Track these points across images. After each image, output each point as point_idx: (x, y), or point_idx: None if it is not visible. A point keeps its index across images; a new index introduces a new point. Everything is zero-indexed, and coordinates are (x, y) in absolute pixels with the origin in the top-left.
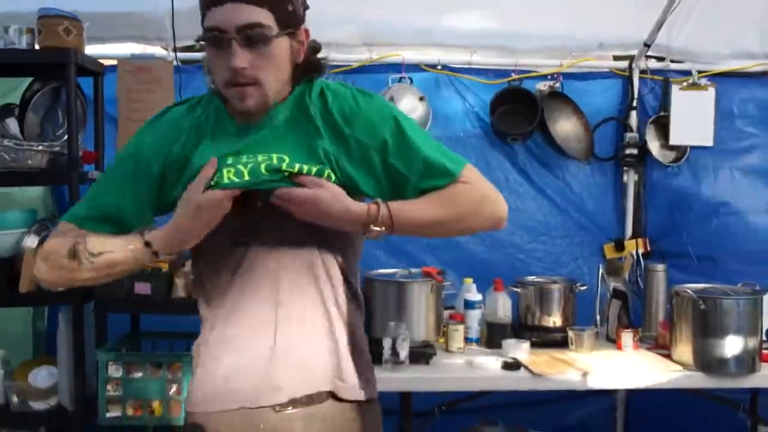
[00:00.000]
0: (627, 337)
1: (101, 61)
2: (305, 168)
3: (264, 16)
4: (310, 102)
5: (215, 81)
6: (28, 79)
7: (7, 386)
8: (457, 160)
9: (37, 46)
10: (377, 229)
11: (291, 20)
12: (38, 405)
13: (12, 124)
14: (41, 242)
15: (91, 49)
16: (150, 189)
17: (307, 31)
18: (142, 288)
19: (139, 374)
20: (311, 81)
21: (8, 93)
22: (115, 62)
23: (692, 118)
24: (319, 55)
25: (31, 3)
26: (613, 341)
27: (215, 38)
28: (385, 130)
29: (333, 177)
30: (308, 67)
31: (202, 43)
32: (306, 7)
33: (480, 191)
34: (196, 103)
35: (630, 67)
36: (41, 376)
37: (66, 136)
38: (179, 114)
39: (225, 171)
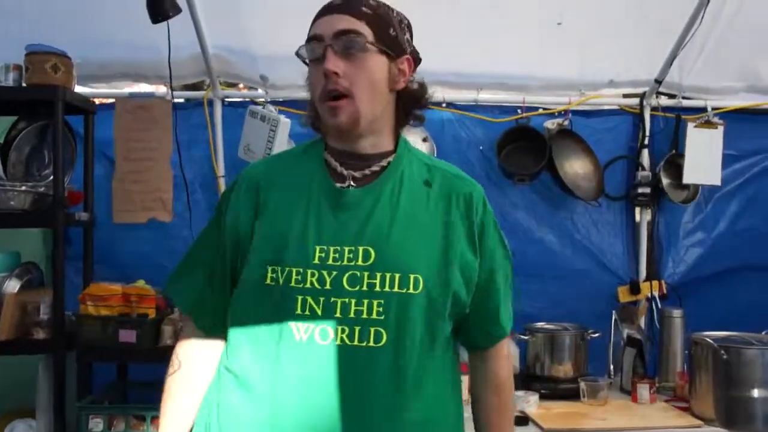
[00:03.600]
0: (643, 389)
1: (98, 99)
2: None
3: (362, 28)
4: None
5: (313, 100)
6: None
7: None
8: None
9: (24, 84)
10: None
11: (391, 43)
12: None
13: None
14: (23, 287)
15: (86, 89)
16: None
17: (410, 62)
18: (127, 336)
19: (120, 428)
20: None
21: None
22: (112, 101)
23: (704, 156)
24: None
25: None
26: (628, 392)
27: (313, 49)
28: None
29: (421, 285)
30: (410, 99)
31: (305, 59)
32: (413, 49)
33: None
34: (302, 152)
35: (641, 103)
36: (18, 430)
37: (52, 176)
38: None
39: (309, 273)
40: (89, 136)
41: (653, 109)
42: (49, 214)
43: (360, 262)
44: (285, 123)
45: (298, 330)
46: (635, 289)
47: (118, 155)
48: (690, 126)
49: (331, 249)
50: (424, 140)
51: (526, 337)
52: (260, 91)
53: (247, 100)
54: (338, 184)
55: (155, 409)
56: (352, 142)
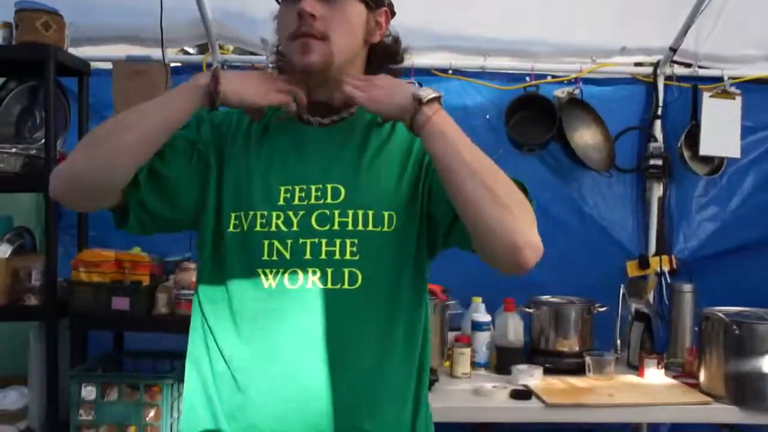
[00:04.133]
0: (651, 364)
1: (94, 63)
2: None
3: None
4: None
5: (280, 40)
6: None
7: None
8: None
9: (15, 42)
10: (426, 108)
11: None
12: (6, 429)
13: None
14: (14, 252)
15: (82, 51)
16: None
17: (387, 14)
18: (120, 303)
19: (113, 397)
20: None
21: None
22: (109, 65)
23: (721, 127)
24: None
25: None
26: (635, 368)
27: None
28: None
29: (394, 222)
30: (384, 53)
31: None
32: (390, 1)
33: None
34: None
35: (655, 72)
36: (10, 398)
37: (44, 139)
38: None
39: (275, 215)
40: (83, 98)
41: (667, 78)
42: (41, 178)
43: (329, 200)
44: None
45: (266, 277)
46: (644, 263)
47: None
48: (705, 96)
49: (297, 188)
50: None
51: (530, 310)
52: (261, 56)
53: (246, 64)
54: (300, 125)
55: (149, 378)
56: (319, 88)
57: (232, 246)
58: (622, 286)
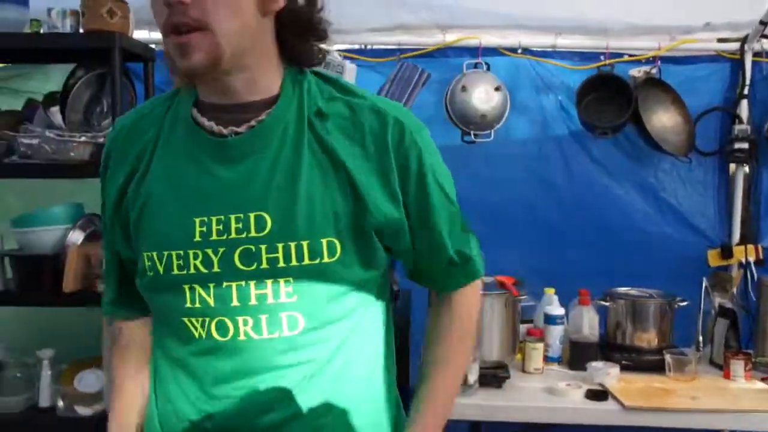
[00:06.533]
0: (738, 366)
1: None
2: (297, 247)
3: None
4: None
5: (161, 32)
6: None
7: (54, 389)
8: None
9: (81, 30)
10: None
11: None
12: (84, 411)
13: (57, 114)
14: (87, 239)
15: (143, 34)
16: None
17: None
18: None
19: None
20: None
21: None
22: None
23: None
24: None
25: None
26: (718, 366)
27: None
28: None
29: (338, 250)
30: (292, 23)
31: None
32: None
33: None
34: (161, 102)
35: (742, 48)
36: (87, 380)
37: (111, 126)
38: (138, 118)
39: (191, 254)
40: (149, 84)
41: (756, 54)
42: None
43: (253, 233)
44: (351, 68)
45: (194, 326)
46: (727, 253)
47: None
48: None
49: (214, 219)
50: (497, 89)
51: (606, 303)
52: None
53: None
54: (211, 138)
55: None
56: (219, 89)
57: (152, 290)
58: (704, 278)
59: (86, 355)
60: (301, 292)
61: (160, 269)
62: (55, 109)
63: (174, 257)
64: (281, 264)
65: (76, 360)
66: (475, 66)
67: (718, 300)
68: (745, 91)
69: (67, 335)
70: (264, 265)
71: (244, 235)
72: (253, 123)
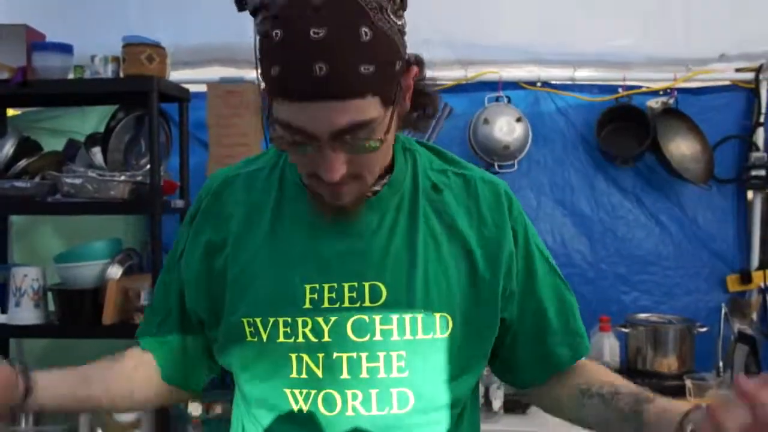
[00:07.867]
0: None
1: (189, 86)
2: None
3: (369, 108)
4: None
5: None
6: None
7: (92, 418)
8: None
9: (122, 75)
10: None
11: (398, 79)
12: None
13: (98, 153)
14: (125, 273)
15: (178, 75)
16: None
17: (409, 71)
18: None
19: (218, 411)
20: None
21: (100, 123)
22: (204, 88)
23: None
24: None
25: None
26: None
27: (295, 140)
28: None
29: (449, 326)
30: (414, 102)
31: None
32: (403, 33)
33: None
34: (269, 160)
35: (756, 78)
36: None
37: (149, 165)
38: (247, 174)
39: (300, 322)
40: (184, 124)
41: None
42: (147, 203)
43: (367, 303)
44: None
45: (296, 399)
46: (746, 278)
47: (212, 141)
48: None
49: (326, 287)
50: (518, 120)
51: (626, 330)
52: None
53: None
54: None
55: None
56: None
57: (249, 358)
58: (723, 304)
59: None
60: (413, 368)
61: (264, 336)
62: (96, 149)
63: (281, 324)
64: (395, 337)
65: None
66: (497, 99)
67: (737, 326)
68: (761, 119)
69: None
70: (377, 337)
71: (357, 305)
72: (373, 189)
